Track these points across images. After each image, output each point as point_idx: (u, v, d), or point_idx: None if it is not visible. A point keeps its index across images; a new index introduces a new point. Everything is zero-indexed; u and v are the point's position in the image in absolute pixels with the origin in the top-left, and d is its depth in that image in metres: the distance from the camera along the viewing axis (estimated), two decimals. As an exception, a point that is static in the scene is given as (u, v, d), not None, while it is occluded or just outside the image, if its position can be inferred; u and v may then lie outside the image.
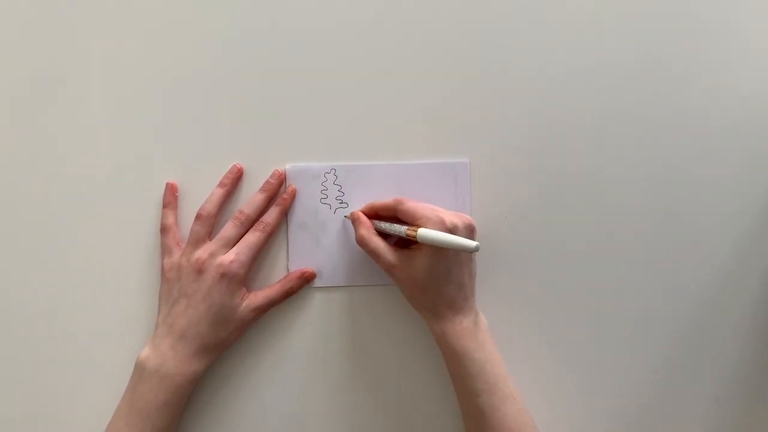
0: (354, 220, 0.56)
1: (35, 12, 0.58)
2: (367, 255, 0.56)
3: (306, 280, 0.58)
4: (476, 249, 0.50)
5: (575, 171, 0.59)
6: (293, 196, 0.58)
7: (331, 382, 0.58)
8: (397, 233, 0.54)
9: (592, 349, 0.59)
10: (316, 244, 0.58)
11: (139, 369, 0.54)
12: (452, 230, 0.52)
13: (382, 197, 0.57)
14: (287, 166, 0.58)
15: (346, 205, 0.58)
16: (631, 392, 0.59)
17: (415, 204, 0.54)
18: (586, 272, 0.59)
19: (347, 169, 0.58)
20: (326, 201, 0.58)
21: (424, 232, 0.51)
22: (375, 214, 0.57)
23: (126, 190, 0.58)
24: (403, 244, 0.56)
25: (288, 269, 0.58)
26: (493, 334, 0.55)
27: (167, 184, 0.58)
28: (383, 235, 0.56)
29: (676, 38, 0.59)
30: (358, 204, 0.58)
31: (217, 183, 0.57)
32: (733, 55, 0.59)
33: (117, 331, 0.58)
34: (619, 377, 0.59)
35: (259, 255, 0.57)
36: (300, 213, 0.58)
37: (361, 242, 0.55)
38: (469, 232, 0.53)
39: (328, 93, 0.59)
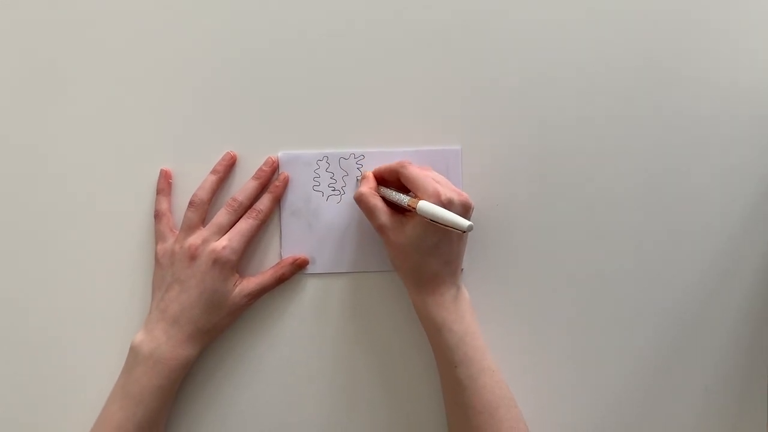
0: (362, 178, 0.57)
1: (33, 2, 0.59)
2: (359, 240, 0.56)
3: (298, 266, 0.58)
4: (469, 229, 0.49)
5: (568, 159, 0.59)
6: (286, 183, 0.58)
7: (323, 367, 0.58)
8: (398, 202, 0.54)
9: (582, 338, 0.59)
10: (309, 230, 0.58)
11: (134, 353, 0.54)
12: (447, 205, 0.51)
13: (374, 185, 0.57)
14: (280, 154, 0.58)
15: (338, 193, 0.58)
16: (618, 380, 0.59)
17: (416, 171, 0.54)
18: (577, 261, 0.59)
19: (339, 156, 0.58)
20: (318, 188, 0.58)
21: (423, 206, 0.51)
22: (382, 178, 0.57)
23: (120, 177, 0.59)
24: (401, 208, 0.56)
25: (281, 256, 0.59)
26: (482, 322, 0.55)
27: (161, 170, 0.58)
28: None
29: (671, 32, 0.59)
30: (350, 192, 0.58)
31: (211, 170, 0.58)
32: (728, 52, 0.59)
33: (111, 316, 0.58)
34: (607, 365, 0.59)
35: (252, 241, 0.58)
36: (292, 200, 0.58)
37: (359, 199, 0.55)
38: (465, 210, 0.53)
39: (321, 81, 0.59)
